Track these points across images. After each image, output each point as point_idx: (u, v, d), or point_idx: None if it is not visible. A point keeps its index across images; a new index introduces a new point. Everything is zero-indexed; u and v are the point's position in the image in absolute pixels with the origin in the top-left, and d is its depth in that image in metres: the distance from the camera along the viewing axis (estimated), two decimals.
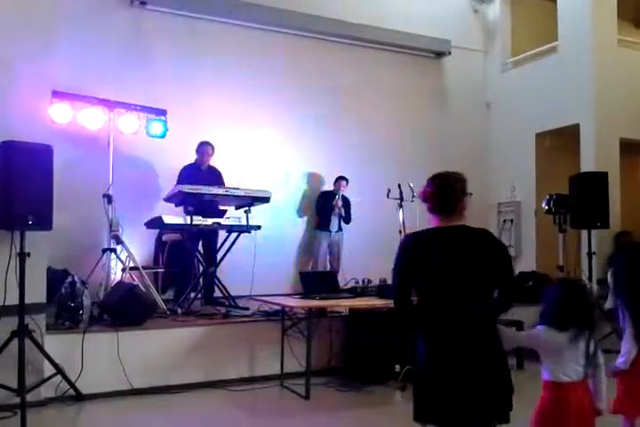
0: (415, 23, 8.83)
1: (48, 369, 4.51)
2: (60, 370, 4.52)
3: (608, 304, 6.46)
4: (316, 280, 5.70)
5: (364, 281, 5.74)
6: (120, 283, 5.55)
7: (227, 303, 6.19)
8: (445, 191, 2.59)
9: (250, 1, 7.73)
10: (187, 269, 6.39)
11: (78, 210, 6.23)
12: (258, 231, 6.33)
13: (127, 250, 5.87)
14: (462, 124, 9.27)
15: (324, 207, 7.87)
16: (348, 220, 7.94)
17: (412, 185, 5.83)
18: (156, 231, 6.67)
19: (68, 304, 4.89)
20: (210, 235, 6.46)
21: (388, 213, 6.68)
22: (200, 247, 6.49)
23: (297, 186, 8.19)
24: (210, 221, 6.04)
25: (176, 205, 6.25)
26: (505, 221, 9.11)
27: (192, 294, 6.15)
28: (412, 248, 2.58)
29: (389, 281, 5.46)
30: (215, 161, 6.91)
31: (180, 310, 5.79)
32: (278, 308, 5.41)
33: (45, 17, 4.78)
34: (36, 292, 4.49)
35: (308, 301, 5.20)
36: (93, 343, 4.73)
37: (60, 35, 5.07)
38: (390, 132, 8.65)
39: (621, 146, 8.03)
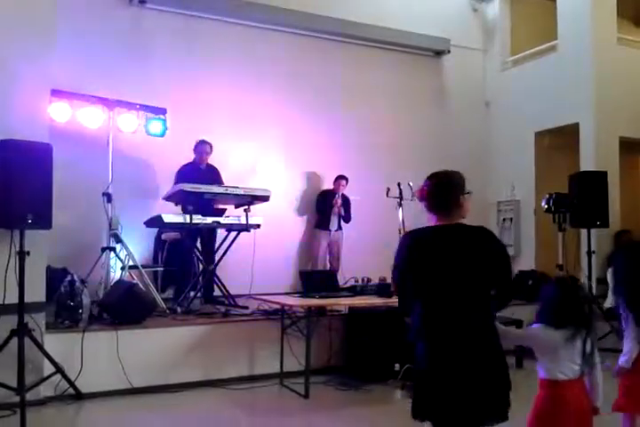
0: (415, 22, 8.82)
1: (48, 368, 4.51)
2: (59, 369, 4.52)
3: (608, 303, 6.49)
4: (316, 279, 5.70)
5: (363, 280, 5.74)
6: (119, 282, 5.54)
7: (226, 302, 6.20)
8: (443, 190, 2.60)
9: (249, 0, 7.73)
10: (186, 268, 6.40)
11: (78, 209, 6.24)
12: (257, 230, 6.32)
13: (126, 249, 5.87)
14: (462, 123, 9.27)
15: (324, 206, 7.87)
16: (347, 219, 7.94)
17: (411, 184, 5.83)
18: (156, 230, 6.67)
19: (67, 303, 4.89)
20: (208, 233, 6.46)
21: (387, 213, 6.68)
22: (199, 246, 6.48)
23: (297, 185, 8.19)
24: (210, 219, 6.04)
25: (176, 204, 6.25)
26: (504, 219, 9.12)
27: (191, 293, 6.15)
28: (411, 247, 2.59)
29: (389, 280, 5.51)
30: (215, 160, 6.91)
31: (179, 309, 5.79)
32: (278, 307, 5.41)
33: (45, 16, 4.77)
34: (36, 291, 4.49)
35: (307, 300, 5.20)
36: (93, 342, 4.73)
37: (59, 33, 5.05)
38: (389, 130, 8.65)
39: (621, 145, 8.04)
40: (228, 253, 6.30)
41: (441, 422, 2.48)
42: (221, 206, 6.62)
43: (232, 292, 6.30)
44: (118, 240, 5.80)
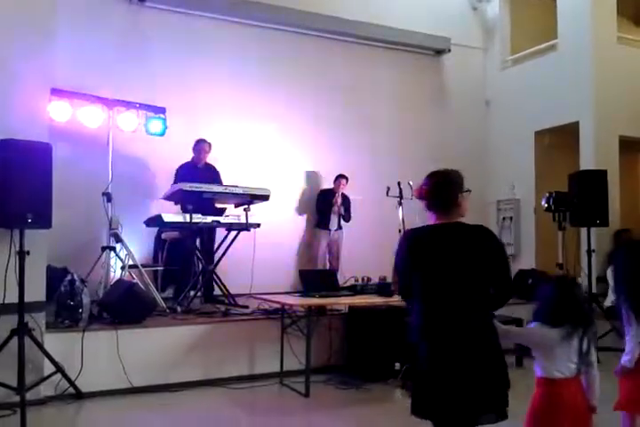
0: (415, 21, 8.82)
1: (48, 368, 4.52)
2: (59, 368, 4.52)
3: (608, 302, 6.49)
4: (316, 278, 5.71)
5: (363, 279, 5.74)
6: (119, 281, 5.54)
7: (226, 302, 6.19)
8: (442, 189, 2.61)
9: None
10: (186, 268, 6.39)
11: (77, 208, 6.23)
12: (257, 229, 6.32)
13: (126, 248, 5.86)
14: (462, 122, 9.27)
15: (324, 206, 7.87)
16: (347, 218, 7.94)
17: (411, 183, 5.82)
18: (156, 229, 6.67)
19: (67, 302, 4.89)
20: (208, 233, 6.46)
21: (387, 212, 6.69)
22: (198, 245, 6.48)
23: (296, 184, 8.19)
24: (209, 218, 6.03)
25: (175, 203, 6.25)
26: (504, 218, 9.12)
27: (191, 293, 6.15)
28: (410, 246, 2.61)
29: (389, 279, 5.53)
30: (215, 159, 6.91)
31: (179, 309, 5.79)
32: (278, 306, 5.42)
33: (45, 16, 4.77)
34: (36, 290, 4.49)
35: (307, 299, 5.21)
36: (93, 342, 4.73)
37: (58, 32, 5.06)
38: (389, 129, 8.66)
39: (621, 144, 8.04)
40: (228, 252, 6.30)
41: (439, 420, 2.49)
42: (221, 206, 6.62)
43: (232, 291, 6.30)
44: (118, 240, 5.80)
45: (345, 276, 6.24)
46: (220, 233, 6.51)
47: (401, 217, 6.28)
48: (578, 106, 8.05)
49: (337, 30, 8.38)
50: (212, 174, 6.68)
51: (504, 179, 9.16)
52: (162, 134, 6.46)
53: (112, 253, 5.81)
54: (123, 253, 5.87)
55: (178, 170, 6.60)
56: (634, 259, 3.02)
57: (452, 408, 2.41)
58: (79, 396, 4.62)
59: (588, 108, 7.96)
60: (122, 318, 5.04)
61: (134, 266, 5.94)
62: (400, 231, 5.98)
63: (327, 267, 7.76)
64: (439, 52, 9.29)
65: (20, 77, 4.58)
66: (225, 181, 6.68)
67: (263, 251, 6.48)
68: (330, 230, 7.86)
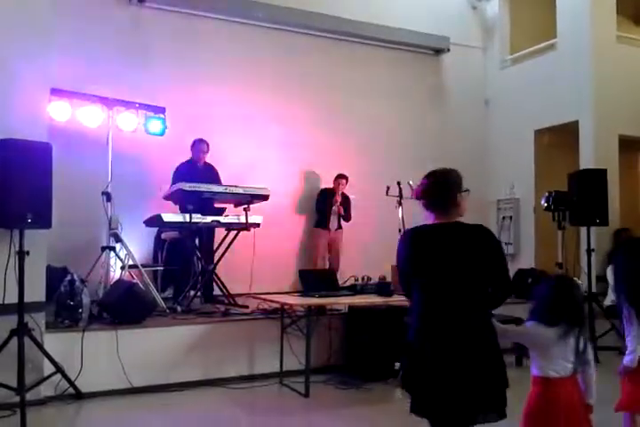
0: (414, 20, 8.82)
1: (48, 368, 4.51)
2: (59, 369, 4.52)
3: (607, 301, 6.49)
4: (316, 278, 5.70)
5: (363, 279, 5.74)
6: (119, 281, 5.54)
7: (226, 301, 6.19)
8: (440, 188, 2.62)
9: None
10: (186, 268, 6.39)
11: (77, 208, 6.21)
12: (257, 229, 6.32)
13: (126, 248, 5.86)
14: (461, 122, 9.27)
15: (324, 205, 7.87)
16: (347, 218, 7.94)
17: (410, 183, 5.83)
18: (156, 229, 6.67)
19: (67, 303, 4.89)
20: (207, 233, 6.45)
21: (387, 211, 6.68)
22: (198, 245, 6.47)
23: (296, 184, 8.19)
24: (209, 218, 6.03)
25: (175, 203, 6.25)
26: (504, 218, 9.12)
27: (191, 292, 6.15)
28: (409, 245, 2.62)
29: (389, 279, 5.53)
30: (214, 159, 6.90)
31: (179, 309, 5.79)
32: (278, 306, 5.41)
33: (44, 16, 4.76)
34: (36, 290, 4.49)
35: (307, 299, 5.20)
36: (93, 342, 4.73)
37: (58, 33, 5.06)
38: (389, 129, 8.65)
39: (620, 143, 8.04)
40: (228, 252, 6.30)
41: (437, 419, 2.49)
42: (221, 205, 6.62)
43: (232, 291, 6.30)
44: (118, 239, 5.80)
45: (345, 276, 6.24)
46: (220, 233, 6.51)
47: (401, 217, 6.28)
48: (577, 105, 8.05)
49: (336, 30, 8.38)
50: (211, 174, 6.68)
51: (504, 178, 9.16)
52: (161, 134, 6.46)
53: (112, 253, 5.81)
54: (122, 253, 5.87)
55: (177, 169, 6.59)
56: (634, 258, 3.02)
57: (450, 407, 2.42)
58: (79, 396, 4.62)
59: (587, 107, 7.96)
60: (122, 318, 5.04)
61: (134, 266, 5.93)
62: (400, 231, 5.98)
63: (327, 267, 7.76)
64: (439, 52, 9.29)
65: (20, 77, 4.58)
66: (225, 180, 6.67)
67: (263, 251, 6.48)
68: (329, 230, 7.86)
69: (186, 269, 6.37)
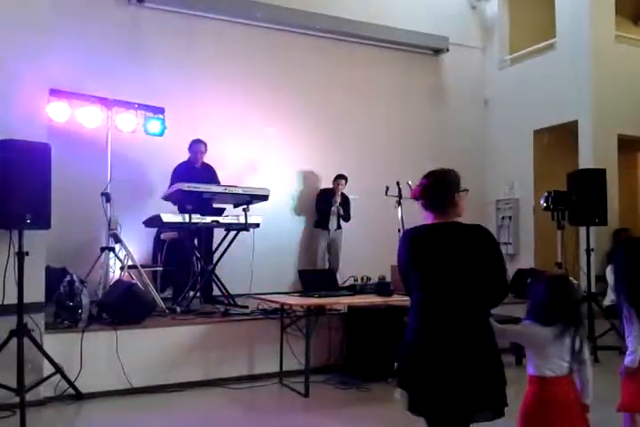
0: (413, 20, 8.83)
1: (47, 368, 4.51)
2: (59, 369, 4.52)
3: (607, 301, 6.49)
4: (315, 278, 5.70)
5: (362, 279, 5.74)
6: (119, 281, 5.54)
7: (225, 302, 6.19)
8: (439, 188, 2.62)
9: None
10: (185, 268, 6.39)
11: (76, 208, 6.21)
12: (257, 229, 6.32)
13: (125, 248, 5.86)
14: (460, 121, 9.28)
15: (323, 206, 7.87)
16: (347, 218, 7.94)
17: (410, 182, 5.82)
18: (155, 230, 6.66)
19: (66, 303, 4.88)
20: (205, 233, 6.45)
21: (386, 211, 6.68)
22: (197, 245, 6.47)
23: (296, 184, 8.19)
24: (209, 219, 6.03)
25: (174, 204, 6.25)
26: (503, 218, 9.12)
27: (191, 293, 6.15)
28: (409, 245, 2.63)
29: (388, 279, 5.53)
30: (214, 159, 6.90)
31: (178, 309, 5.79)
32: (277, 306, 5.41)
33: (44, 16, 4.76)
34: (35, 291, 4.48)
35: (306, 299, 5.20)
36: (92, 342, 4.73)
37: (57, 33, 5.06)
38: (388, 129, 8.66)
39: (619, 142, 8.05)
40: (228, 252, 6.30)
41: (434, 417, 2.50)
42: (220, 206, 6.61)
43: (231, 291, 6.30)
44: (117, 240, 5.79)
45: (344, 276, 6.24)
46: (219, 233, 6.50)
47: (400, 216, 6.28)
48: (576, 105, 8.05)
49: (336, 30, 8.38)
50: (209, 174, 6.68)
51: (503, 178, 9.17)
52: (161, 134, 6.46)
53: (111, 254, 5.81)
54: (122, 254, 5.87)
55: (175, 169, 6.59)
56: (633, 257, 3.02)
57: (447, 406, 2.42)
58: (79, 397, 4.62)
59: (586, 106, 7.96)
60: (121, 318, 5.04)
61: (133, 266, 5.93)
62: (399, 231, 5.99)
63: (326, 267, 7.76)
64: (438, 52, 9.30)
65: (19, 78, 4.58)
66: (224, 181, 6.67)
67: (262, 251, 6.48)
68: (329, 230, 7.86)
69: (185, 270, 6.37)
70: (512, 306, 4.81)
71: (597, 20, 8.03)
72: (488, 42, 9.71)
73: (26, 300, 4.24)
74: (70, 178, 5.83)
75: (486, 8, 9.68)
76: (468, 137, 9.30)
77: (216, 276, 6.34)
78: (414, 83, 9.02)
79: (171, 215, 5.90)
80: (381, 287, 5.42)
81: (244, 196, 6.11)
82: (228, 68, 7.65)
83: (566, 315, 2.73)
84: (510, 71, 9.33)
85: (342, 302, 5.49)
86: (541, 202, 6.79)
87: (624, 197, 8.17)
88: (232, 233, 6.28)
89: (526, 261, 8.48)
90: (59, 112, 5.82)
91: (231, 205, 6.52)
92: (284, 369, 5.30)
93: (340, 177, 7.84)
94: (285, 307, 5.30)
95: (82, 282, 5.07)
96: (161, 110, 6.45)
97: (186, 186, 5.74)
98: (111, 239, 5.80)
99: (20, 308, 4.22)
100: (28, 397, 4.17)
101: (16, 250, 4.18)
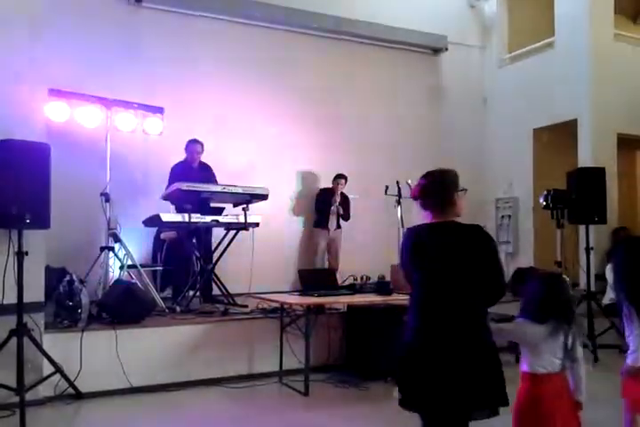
0: (412, 19, 8.83)
1: (47, 368, 4.51)
2: (58, 369, 4.52)
3: (606, 299, 6.50)
4: (315, 277, 5.71)
5: (362, 278, 5.74)
6: (118, 281, 5.53)
7: (225, 301, 6.20)
8: (437, 188, 2.64)
9: None
10: (185, 267, 6.38)
11: (76, 208, 6.22)
12: (256, 229, 6.32)
13: (125, 248, 5.86)
14: (459, 120, 9.28)
15: (323, 205, 7.87)
16: (346, 218, 7.95)
17: (409, 182, 5.82)
18: (154, 229, 6.66)
19: (66, 303, 4.89)
20: (204, 232, 6.45)
21: (386, 211, 6.68)
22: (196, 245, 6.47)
23: (295, 184, 8.19)
24: (208, 218, 6.03)
25: (172, 203, 6.25)
26: (503, 216, 9.13)
27: (190, 292, 6.15)
28: (409, 244, 2.65)
29: (388, 278, 5.53)
30: (213, 159, 6.89)
31: (178, 308, 5.79)
32: (277, 305, 5.42)
33: (42, 16, 4.75)
34: (35, 290, 4.48)
35: (306, 298, 5.20)
36: (92, 342, 4.73)
37: (56, 33, 5.06)
38: (387, 128, 8.66)
39: (619, 141, 8.05)
40: (227, 251, 6.30)
41: (431, 414, 2.51)
42: (217, 205, 6.60)
43: (231, 290, 6.31)
44: (117, 240, 5.80)
45: (344, 275, 6.24)
46: (218, 233, 6.50)
47: (399, 216, 6.28)
48: (576, 103, 8.05)
49: (335, 29, 8.39)
50: (206, 173, 6.67)
51: (502, 177, 9.17)
52: (159, 134, 6.45)
53: (111, 254, 5.81)
54: (121, 254, 5.87)
55: (172, 169, 6.58)
56: (633, 256, 3.01)
57: (447, 404, 2.43)
58: (78, 396, 4.62)
59: (585, 105, 7.97)
60: (121, 318, 5.04)
61: (133, 266, 5.93)
62: (399, 230, 5.99)
63: (326, 266, 7.76)
64: (436, 51, 9.30)
65: (18, 77, 4.57)
66: (224, 181, 6.65)
67: (262, 250, 6.48)
68: (329, 230, 7.86)
69: (185, 269, 6.37)
70: (510, 305, 4.80)
71: (596, 18, 8.03)
72: (487, 41, 9.71)
73: (25, 299, 4.24)
74: (70, 178, 5.81)
75: (485, 7, 9.69)
76: (468, 136, 9.30)
77: (216, 275, 6.34)
78: (413, 82, 9.02)
79: (170, 215, 5.91)
80: (381, 286, 5.43)
81: (243, 195, 6.10)
82: (228, 67, 7.65)
83: (559, 312, 2.75)
84: (509, 70, 9.34)
85: (342, 302, 5.50)
86: (541, 201, 6.80)
87: (623, 196, 8.18)
88: (232, 232, 6.28)
89: (526, 259, 8.48)
90: (58, 112, 5.82)
91: (231, 205, 6.52)
92: (283, 368, 5.30)
93: (339, 177, 7.85)
94: (285, 306, 5.30)
95: (81, 282, 5.08)
96: (160, 110, 6.44)
97: (185, 185, 5.73)
98: (111, 239, 5.80)
99: (20, 307, 4.22)
100: (28, 396, 4.17)
101: (15, 250, 4.18)
